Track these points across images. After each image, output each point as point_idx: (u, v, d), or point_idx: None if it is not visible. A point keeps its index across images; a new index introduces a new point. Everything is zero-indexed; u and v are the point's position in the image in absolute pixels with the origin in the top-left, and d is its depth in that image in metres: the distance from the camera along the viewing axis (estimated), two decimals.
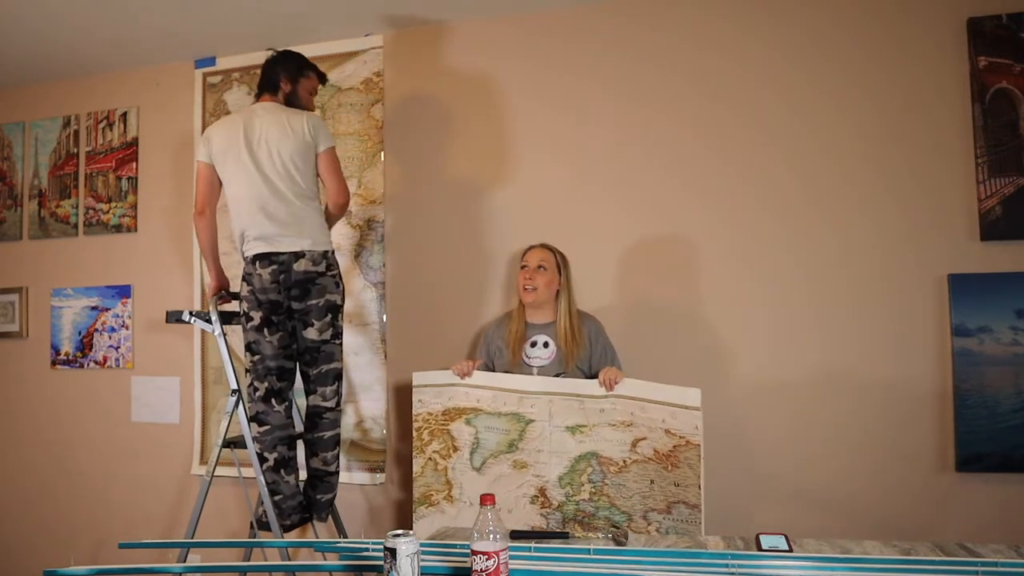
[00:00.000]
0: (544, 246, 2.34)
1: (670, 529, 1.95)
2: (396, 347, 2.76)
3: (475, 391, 2.22)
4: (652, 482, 1.99)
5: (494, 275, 2.67)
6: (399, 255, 2.78)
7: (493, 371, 2.32)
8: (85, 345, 3.15)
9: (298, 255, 2.21)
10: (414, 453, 2.28)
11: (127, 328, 3.10)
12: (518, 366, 2.27)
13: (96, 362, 3.13)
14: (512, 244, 2.64)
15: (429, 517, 2.22)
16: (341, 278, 2.34)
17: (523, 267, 2.31)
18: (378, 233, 2.79)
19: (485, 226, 2.69)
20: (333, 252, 2.32)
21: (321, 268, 2.24)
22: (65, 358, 3.17)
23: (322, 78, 2.44)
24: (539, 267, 2.28)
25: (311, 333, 2.25)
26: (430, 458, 2.25)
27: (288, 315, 2.27)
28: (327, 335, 2.27)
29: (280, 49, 2.39)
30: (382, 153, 2.81)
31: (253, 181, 2.22)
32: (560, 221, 2.59)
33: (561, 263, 2.30)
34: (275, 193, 2.22)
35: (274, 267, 2.22)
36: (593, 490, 2.04)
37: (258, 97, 2.37)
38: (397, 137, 2.80)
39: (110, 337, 3.11)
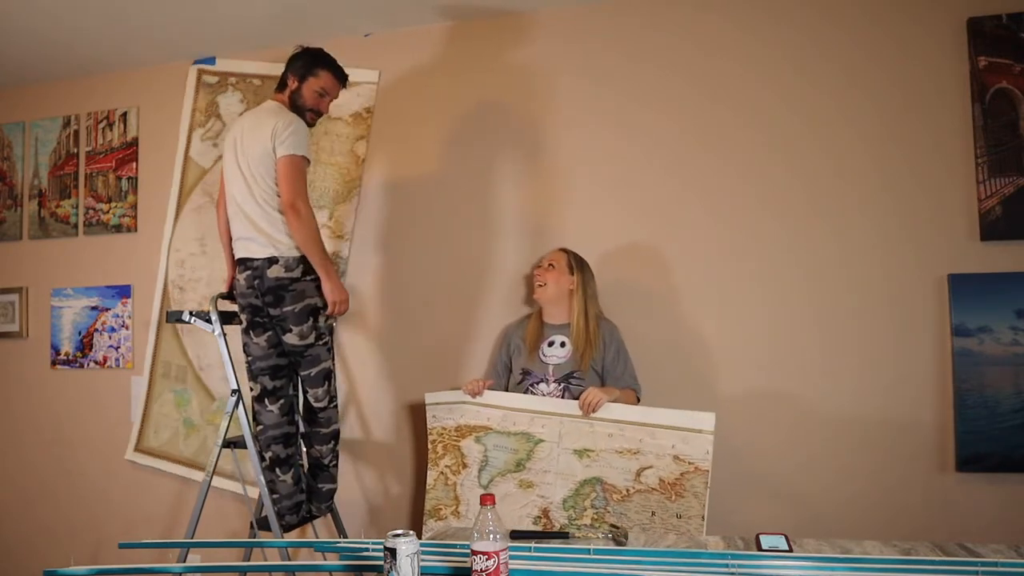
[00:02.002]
0: (561, 248, 2.40)
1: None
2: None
3: (486, 410, 2.23)
4: (653, 514, 1.98)
5: (493, 275, 2.66)
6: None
7: (510, 371, 2.36)
8: (85, 345, 3.15)
9: (271, 261, 2.17)
10: (428, 465, 2.31)
11: (127, 328, 3.09)
12: (534, 363, 2.29)
13: (96, 362, 3.13)
14: (509, 246, 2.64)
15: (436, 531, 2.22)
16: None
17: (536, 266, 2.41)
18: (340, 269, 2.75)
19: (483, 227, 2.68)
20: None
21: (296, 274, 2.18)
22: (65, 358, 3.17)
23: (341, 78, 2.33)
24: (549, 265, 2.35)
25: (291, 339, 2.21)
26: (442, 472, 2.27)
27: (270, 318, 2.24)
28: (310, 339, 2.22)
29: (306, 46, 2.31)
30: (358, 190, 2.78)
31: (238, 181, 2.21)
32: (559, 222, 2.59)
33: (575, 264, 2.34)
34: (251, 195, 2.18)
35: (248, 272, 2.21)
36: (595, 515, 2.04)
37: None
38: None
39: (110, 337, 3.11)
